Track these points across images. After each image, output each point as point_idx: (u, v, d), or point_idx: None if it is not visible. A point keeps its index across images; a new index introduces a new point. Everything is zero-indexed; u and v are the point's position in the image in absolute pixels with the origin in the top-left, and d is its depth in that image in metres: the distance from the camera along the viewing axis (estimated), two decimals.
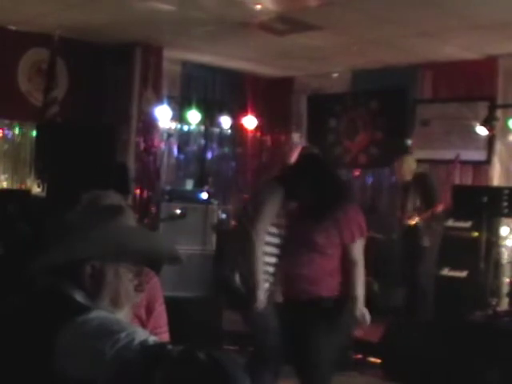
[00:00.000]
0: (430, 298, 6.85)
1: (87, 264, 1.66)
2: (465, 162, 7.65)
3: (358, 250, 4.05)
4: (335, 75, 9.14)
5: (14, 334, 1.61)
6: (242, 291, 4.34)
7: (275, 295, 4.52)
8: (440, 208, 6.86)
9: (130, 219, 1.79)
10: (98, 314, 1.57)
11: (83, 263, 1.66)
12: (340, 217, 3.98)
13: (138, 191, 8.00)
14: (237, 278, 4.60)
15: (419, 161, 7.49)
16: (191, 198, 7.52)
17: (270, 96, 9.64)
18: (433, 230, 6.88)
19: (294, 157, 6.10)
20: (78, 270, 1.65)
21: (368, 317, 4.13)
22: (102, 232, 1.69)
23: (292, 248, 4.14)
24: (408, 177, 7.08)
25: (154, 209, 7.90)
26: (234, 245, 4.53)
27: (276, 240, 4.25)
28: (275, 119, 9.71)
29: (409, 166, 7.12)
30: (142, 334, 1.50)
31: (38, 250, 1.68)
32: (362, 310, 4.08)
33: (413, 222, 6.91)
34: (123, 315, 1.69)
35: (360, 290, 4.05)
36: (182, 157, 9.09)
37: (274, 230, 4.25)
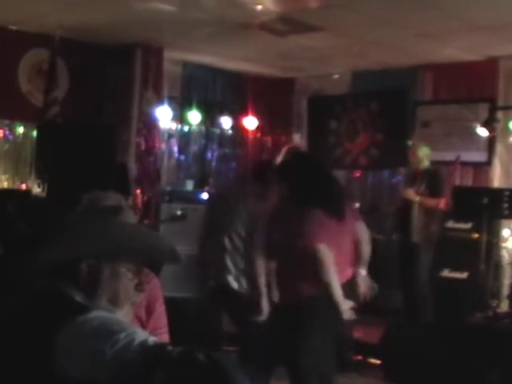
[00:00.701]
0: (428, 299, 6.84)
1: (83, 262, 1.66)
2: (465, 164, 7.65)
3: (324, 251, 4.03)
4: (336, 76, 9.14)
5: (14, 334, 1.61)
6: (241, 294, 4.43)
7: (272, 295, 4.58)
8: (442, 204, 6.78)
9: (130, 219, 1.79)
10: (98, 314, 1.57)
11: (80, 262, 1.66)
12: (310, 217, 4.00)
13: (138, 192, 8.00)
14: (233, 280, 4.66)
15: None
16: (192, 199, 7.52)
17: (271, 97, 9.63)
18: (430, 232, 6.83)
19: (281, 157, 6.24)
20: (75, 268, 1.65)
21: (348, 313, 4.07)
22: (98, 231, 1.69)
23: (278, 255, 4.22)
24: (424, 162, 6.98)
25: (154, 210, 7.89)
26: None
27: None
28: (276, 120, 9.71)
29: (424, 152, 7.04)
30: (141, 335, 1.50)
31: (36, 249, 1.68)
32: (341, 306, 4.03)
33: (409, 196, 6.83)
34: (123, 315, 1.69)
35: (335, 291, 4.01)
36: (182, 157, 9.08)
37: None
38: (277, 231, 4.14)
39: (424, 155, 7.01)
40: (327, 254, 3.99)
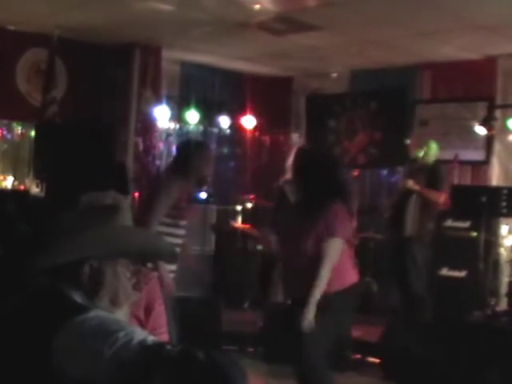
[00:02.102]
0: (427, 297, 6.83)
1: (86, 264, 1.66)
2: (464, 162, 7.65)
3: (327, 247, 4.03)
4: (334, 75, 9.14)
5: (14, 334, 1.61)
6: None
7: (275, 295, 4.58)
8: (442, 198, 6.73)
9: (127, 219, 1.79)
10: (97, 313, 1.58)
11: (82, 263, 1.66)
12: (322, 214, 4.03)
13: (136, 191, 8.00)
14: None
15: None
16: (190, 199, 7.52)
17: (269, 96, 9.63)
18: (424, 228, 6.80)
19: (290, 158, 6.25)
20: (77, 270, 1.66)
21: (307, 323, 3.95)
22: (99, 231, 1.69)
23: (286, 252, 4.25)
24: (431, 158, 6.90)
25: None
26: None
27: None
28: (274, 119, 9.70)
29: (432, 150, 6.97)
30: (140, 334, 1.50)
31: (36, 251, 1.68)
32: (306, 316, 3.93)
33: (409, 185, 6.77)
34: (122, 314, 1.70)
35: (315, 290, 3.94)
36: None
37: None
38: (296, 227, 4.15)
39: (432, 154, 6.95)
40: (337, 248, 3.98)
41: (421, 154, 6.96)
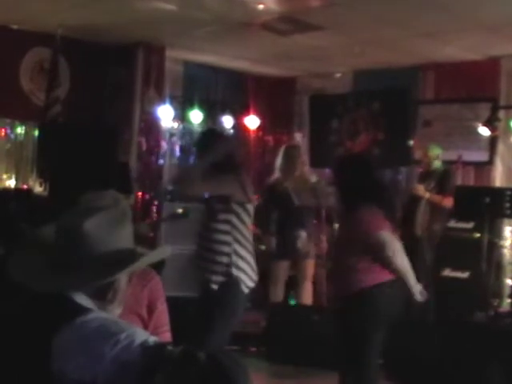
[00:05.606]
0: (430, 298, 6.81)
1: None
2: (467, 163, 7.64)
3: None
4: (337, 75, 9.14)
5: (14, 334, 1.61)
6: None
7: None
8: (450, 202, 6.74)
9: (129, 228, 1.80)
10: (97, 315, 1.57)
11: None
12: None
13: (140, 191, 8.00)
14: None
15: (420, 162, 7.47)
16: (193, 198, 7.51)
17: (272, 96, 9.63)
18: (433, 229, 6.81)
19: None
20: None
21: (422, 294, 4.42)
22: (122, 245, 1.70)
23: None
24: (435, 163, 6.93)
25: (155, 209, 7.90)
26: None
27: None
28: (277, 119, 9.70)
29: (434, 152, 6.99)
30: (141, 335, 1.50)
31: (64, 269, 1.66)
32: (414, 290, 4.39)
33: (419, 192, 6.79)
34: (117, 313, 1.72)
35: (408, 274, 4.41)
36: (184, 156, 9.08)
37: None
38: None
39: (435, 155, 6.97)
40: (393, 239, 4.19)
41: (425, 159, 7.01)
